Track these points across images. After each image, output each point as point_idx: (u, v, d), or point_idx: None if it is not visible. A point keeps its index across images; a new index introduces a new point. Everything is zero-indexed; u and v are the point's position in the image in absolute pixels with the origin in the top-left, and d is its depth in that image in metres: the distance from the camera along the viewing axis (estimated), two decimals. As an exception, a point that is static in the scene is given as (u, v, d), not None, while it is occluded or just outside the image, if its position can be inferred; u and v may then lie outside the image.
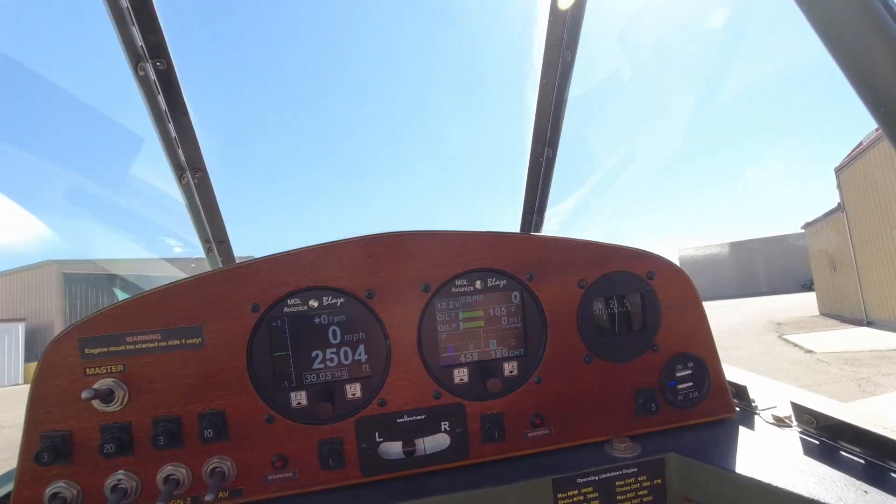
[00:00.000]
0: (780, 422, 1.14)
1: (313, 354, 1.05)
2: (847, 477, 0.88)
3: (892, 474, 0.88)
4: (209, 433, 0.95)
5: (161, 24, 1.27)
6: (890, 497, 0.81)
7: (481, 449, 1.09)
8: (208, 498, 0.91)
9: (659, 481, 1.04)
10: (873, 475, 0.89)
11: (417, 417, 1.07)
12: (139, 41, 1.29)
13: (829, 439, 1.02)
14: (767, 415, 1.18)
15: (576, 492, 1.00)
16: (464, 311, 1.11)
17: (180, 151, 1.51)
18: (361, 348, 1.06)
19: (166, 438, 0.94)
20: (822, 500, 0.81)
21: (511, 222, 2.14)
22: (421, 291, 1.07)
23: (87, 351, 0.95)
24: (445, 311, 1.10)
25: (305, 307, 1.04)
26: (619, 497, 1.02)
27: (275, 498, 1.02)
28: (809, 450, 1.00)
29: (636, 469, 1.03)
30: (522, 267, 1.12)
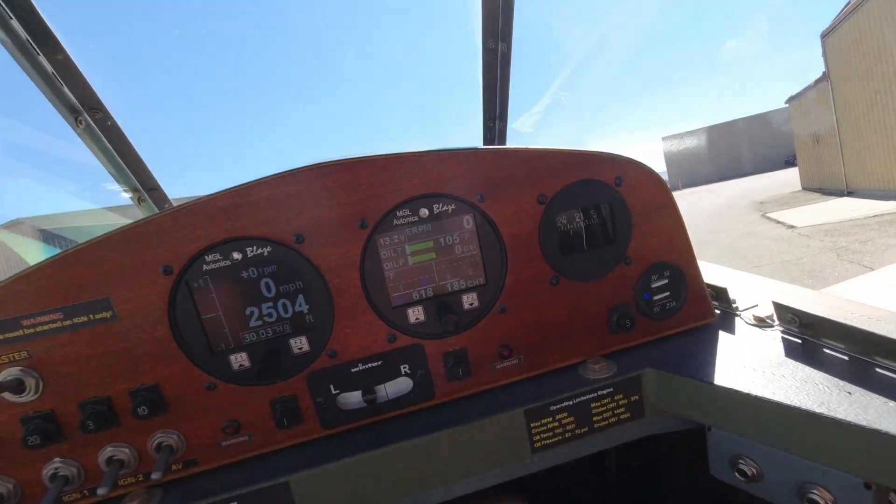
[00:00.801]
0: (761, 322, 1.07)
1: (248, 312, 0.93)
2: (830, 378, 0.83)
3: (878, 370, 0.83)
4: (143, 410, 0.87)
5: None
6: (874, 395, 0.76)
7: (447, 388, 1.02)
8: (155, 475, 0.85)
9: (636, 398, 0.99)
10: (857, 373, 0.83)
11: (373, 364, 0.98)
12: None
13: (812, 337, 0.96)
14: (749, 315, 1.11)
15: (550, 419, 0.95)
16: (410, 245, 0.98)
17: (66, 90, 1.27)
18: (301, 298, 0.95)
19: (96, 421, 0.85)
20: (803, 407, 0.76)
21: (475, 134, 1.96)
22: (358, 228, 0.94)
23: None
24: (389, 246, 0.97)
25: (228, 262, 0.91)
26: (595, 418, 0.97)
27: (235, 463, 0.96)
28: (791, 350, 0.94)
29: (612, 389, 0.97)
30: (471, 187, 0.98)
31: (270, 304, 0.94)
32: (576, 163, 1.02)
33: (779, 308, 1.02)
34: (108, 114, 1.33)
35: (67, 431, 0.88)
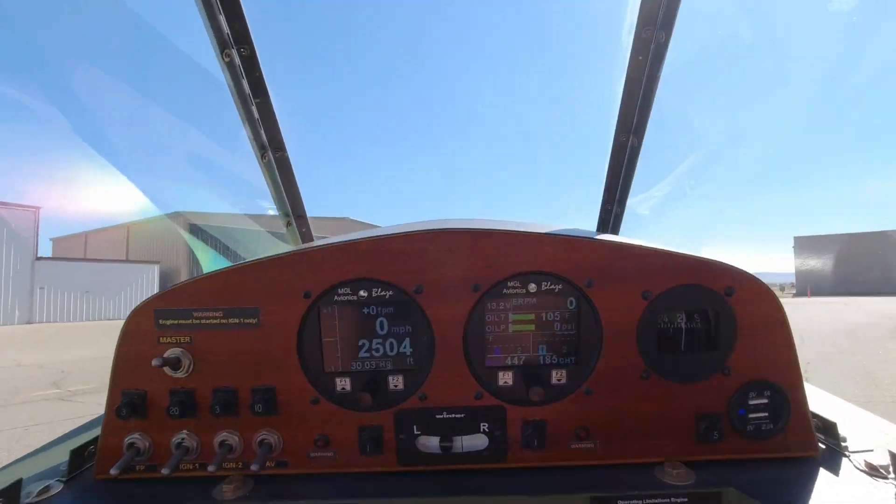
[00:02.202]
0: (873, 470, 0.98)
1: (360, 343, 1.07)
2: None
3: None
4: (259, 407, 1.02)
5: (244, 12, 1.32)
6: None
7: (520, 454, 1.07)
8: (254, 467, 0.99)
9: None
10: None
11: (457, 416, 1.06)
12: (226, 29, 1.35)
13: None
14: (860, 459, 1.02)
15: None
16: (514, 314, 1.07)
17: (262, 132, 1.59)
18: (407, 341, 1.07)
19: (222, 407, 1.02)
20: None
21: (592, 216, 2.02)
22: (470, 291, 1.05)
23: (161, 322, 1.05)
24: (495, 311, 1.07)
25: (355, 297, 1.06)
26: None
27: (316, 474, 1.08)
28: None
29: (687, 500, 0.95)
30: (581, 272, 1.05)
31: (380, 340, 1.07)
32: (687, 266, 1.05)
33: None
34: (286, 153, 1.64)
35: (199, 410, 1.06)
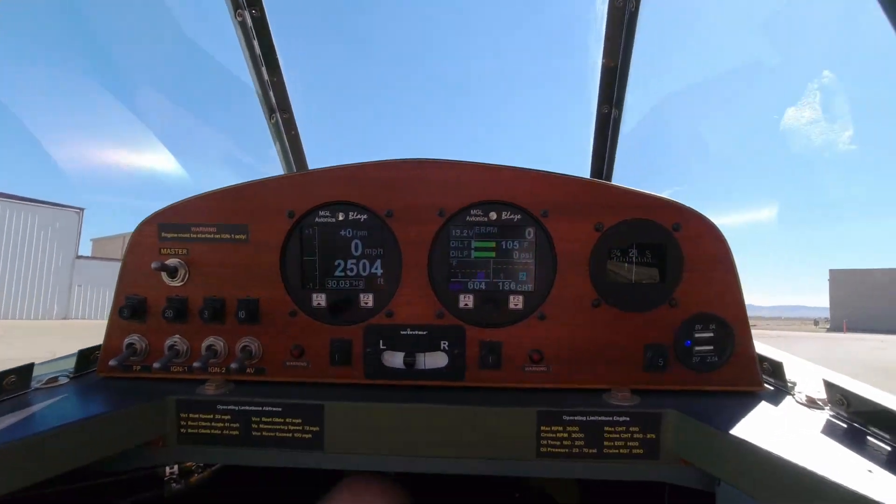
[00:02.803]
0: (812, 403, 1.02)
1: (336, 263, 1.18)
2: (863, 459, 0.78)
3: None
4: (243, 314, 1.13)
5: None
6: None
7: (478, 374, 1.14)
8: (233, 366, 1.09)
9: (652, 436, 1.00)
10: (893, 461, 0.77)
11: (419, 332, 1.15)
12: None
13: (860, 424, 0.90)
14: (801, 396, 1.06)
15: (560, 428, 1.01)
16: (476, 241, 1.16)
17: (271, 93, 1.73)
18: (378, 263, 1.17)
19: (210, 314, 1.13)
20: (832, 479, 0.72)
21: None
22: (436, 216, 1.15)
23: (163, 234, 1.18)
24: (459, 238, 1.16)
25: (334, 219, 1.17)
26: (606, 443, 1.00)
27: (290, 382, 1.17)
28: (833, 431, 0.89)
29: (628, 419, 1.00)
30: (538, 203, 1.13)
31: (354, 261, 1.18)
32: (638, 203, 1.12)
33: (830, 388, 0.97)
34: (293, 114, 1.78)
35: (190, 317, 1.18)
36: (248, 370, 1.17)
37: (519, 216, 1.15)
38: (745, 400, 1.06)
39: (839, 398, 0.95)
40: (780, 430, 0.89)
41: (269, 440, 1.04)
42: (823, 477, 0.71)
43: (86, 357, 1.26)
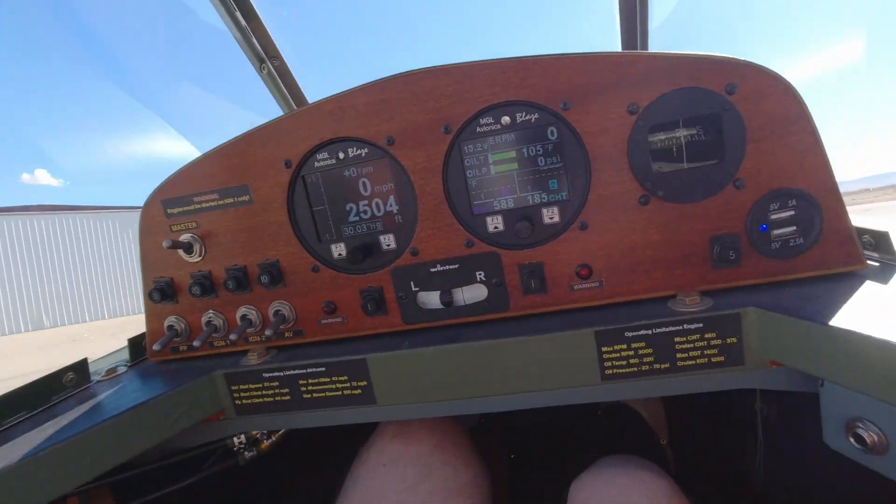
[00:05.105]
0: None
1: (348, 207, 1.08)
2: None
3: None
4: (266, 278, 1.07)
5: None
6: None
7: (522, 301, 1.03)
8: (268, 332, 1.06)
9: (733, 340, 0.85)
10: None
11: (450, 267, 1.04)
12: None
13: None
14: None
15: (624, 346, 0.89)
16: (493, 154, 1.00)
17: (255, 41, 1.59)
18: (392, 199, 1.06)
19: (234, 283, 1.09)
20: None
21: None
22: (442, 133, 1.00)
23: (168, 211, 1.13)
24: (473, 154, 1.01)
25: (334, 161, 1.06)
26: (679, 355, 0.87)
27: (330, 340, 1.12)
28: None
29: (702, 325, 0.86)
30: (555, 95, 0.95)
31: (366, 202, 1.07)
32: (676, 68, 0.90)
33: None
34: (283, 60, 1.64)
35: (218, 290, 1.14)
36: (285, 334, 1.13)
37: (536, 115, 0.97)
38: (843, 283, 0.87)
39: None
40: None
41: (320, 401, 1.02)
42: None
43: (136, 345, 1.28)
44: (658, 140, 0.93)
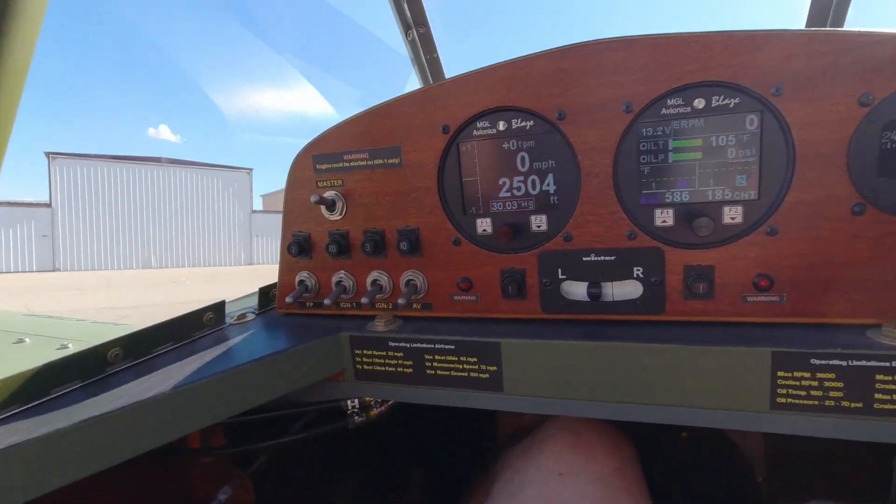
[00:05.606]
0: None
1: (500, 182, 1.02)
2: None
3: None
4: (404, 245, 1.04)
5: None
6: None
7: (681, 306, 0.92)
8: (401, 301, 1.03)
9: None
10: None
11: (606, 258, 0.95)
12: None
13: None
14: None
15: (807, 374, 0.76)
16: (676, 139, 0.89)
17: (405, 6, 1.57)
18: (550, 178, 0.98)
19: (371, 246, 1.07)
20: None
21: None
22: (621, 112, 0.90)
23: (317, 166, 1.13)
24: (651, 138, 0.90)
25: (494, 130, 1.00)
26: (878, 395, 0.73)
27: (460, 318, 1.08)
28: None
29: None
30: (766, 77, 0.82)
31: (521, 178, 1.00)
32: None
33: None
34: (429, 29, 1.62)
35: (353, 251, 1.13)
36: (413, 305, 1.11)
37: (737, 99, 0.84)
38: None
39: None
40: None
41: (443, 379, 0.98)
42: None
43: (266, 294, 1.32)
44: (892, 140, 0.78)
